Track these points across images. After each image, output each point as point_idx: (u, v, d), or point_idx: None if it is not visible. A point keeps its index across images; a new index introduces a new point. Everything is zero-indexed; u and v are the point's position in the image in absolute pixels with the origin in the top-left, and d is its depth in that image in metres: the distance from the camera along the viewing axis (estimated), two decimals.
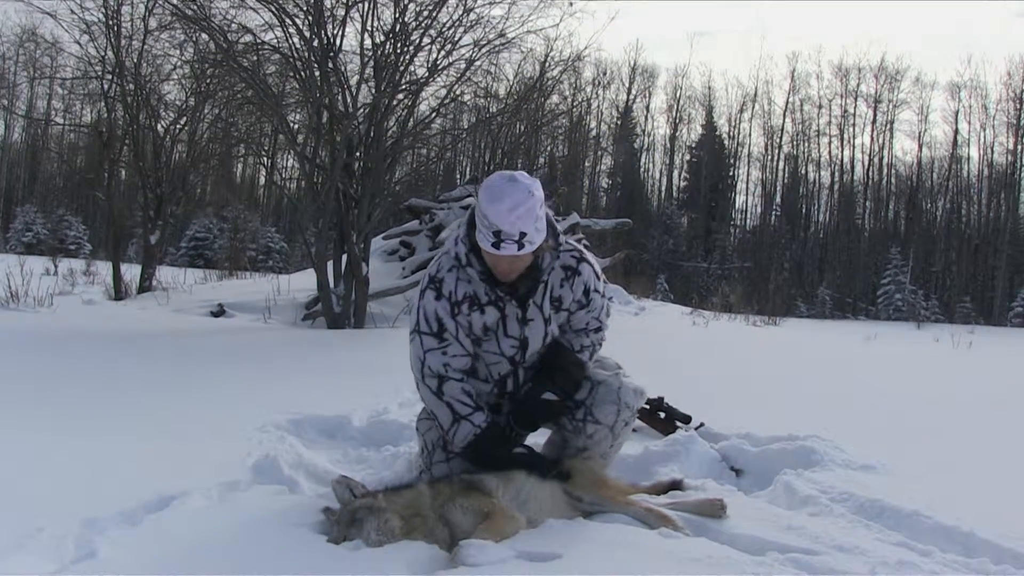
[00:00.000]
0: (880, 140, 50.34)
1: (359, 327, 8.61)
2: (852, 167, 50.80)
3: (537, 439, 3.17)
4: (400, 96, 9.32)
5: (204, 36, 9.48)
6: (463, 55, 9.40)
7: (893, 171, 50.74)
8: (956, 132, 47.97)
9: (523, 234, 2.61)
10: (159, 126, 12.60)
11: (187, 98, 12.89)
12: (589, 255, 2.99)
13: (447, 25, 9.09)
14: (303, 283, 10.95)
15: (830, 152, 51.68)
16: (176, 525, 2.40)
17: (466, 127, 14.54)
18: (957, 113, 48.22)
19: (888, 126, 50.22)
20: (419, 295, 2.88)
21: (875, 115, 50.33)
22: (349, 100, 8.94)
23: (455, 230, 2.97)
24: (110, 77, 12.08)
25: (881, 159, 50.35)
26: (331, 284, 8.81)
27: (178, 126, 12.81)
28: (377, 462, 3.44)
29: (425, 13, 8.91)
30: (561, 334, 2.95)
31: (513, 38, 9.57)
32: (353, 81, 9.21)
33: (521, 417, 2.91)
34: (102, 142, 12.60)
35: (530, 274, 2.80)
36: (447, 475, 2.75)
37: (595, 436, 2.92)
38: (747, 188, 56.25)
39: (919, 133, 49.40)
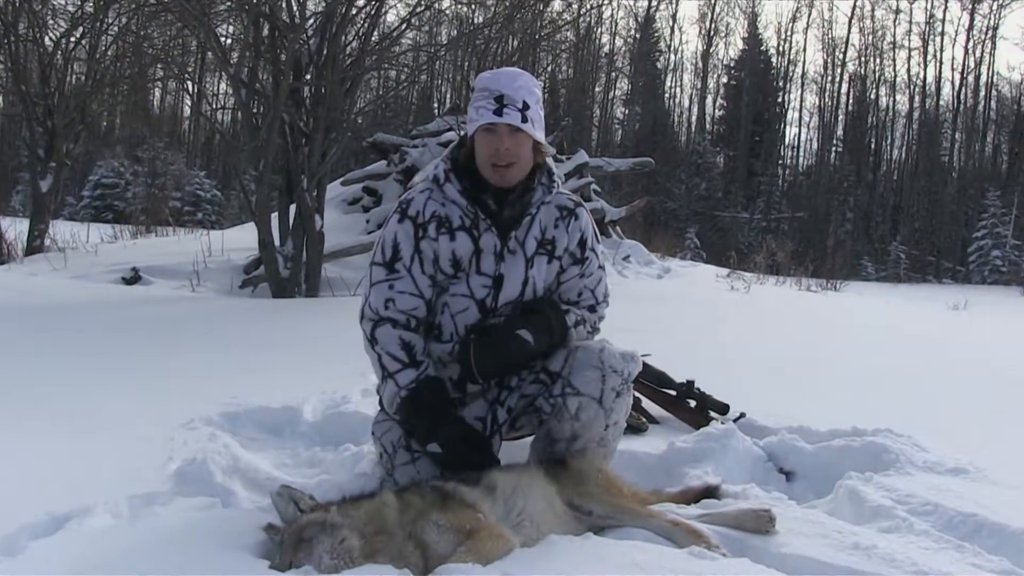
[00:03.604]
0: (977, 53, 49.77)
1: (312, 295, 8.62)
2: (938, 89, 50.53)
3: (519, 452, 3.15)
4: (360, 3, 9.20)
5: None
6: None
7: (994, 93, 50.27)
8: None
9: (527, 105, 2.83)
10: (47, 39, 12.43)
11: (83, 2, 12.69)
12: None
13: None
14: (241, 241, 10.93)
15: (909, 70, 51.64)
16: (71, 552, 2.35)
17: (445, 43, 14.43)
18: None
19: (989, 34, 49.53)
20: (384, 224, 3.06)
21: (972, 20, 49.63)
22: (296, 8, 8.84)
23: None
24: None
25: (977, 78, 49.80)
26: (276, 242, 8.78)
27: (73, 39, 12.64)
28: (335, 465, 3.43)
29: None
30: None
31: None
32: None
33: (482, 347, 2.93)
34: None
35: (521, 197, 2.96)
36: (415, 481, 2.75)
37: (582, 415, 2.93)
38: (800, 118, 56.39)
39: None
